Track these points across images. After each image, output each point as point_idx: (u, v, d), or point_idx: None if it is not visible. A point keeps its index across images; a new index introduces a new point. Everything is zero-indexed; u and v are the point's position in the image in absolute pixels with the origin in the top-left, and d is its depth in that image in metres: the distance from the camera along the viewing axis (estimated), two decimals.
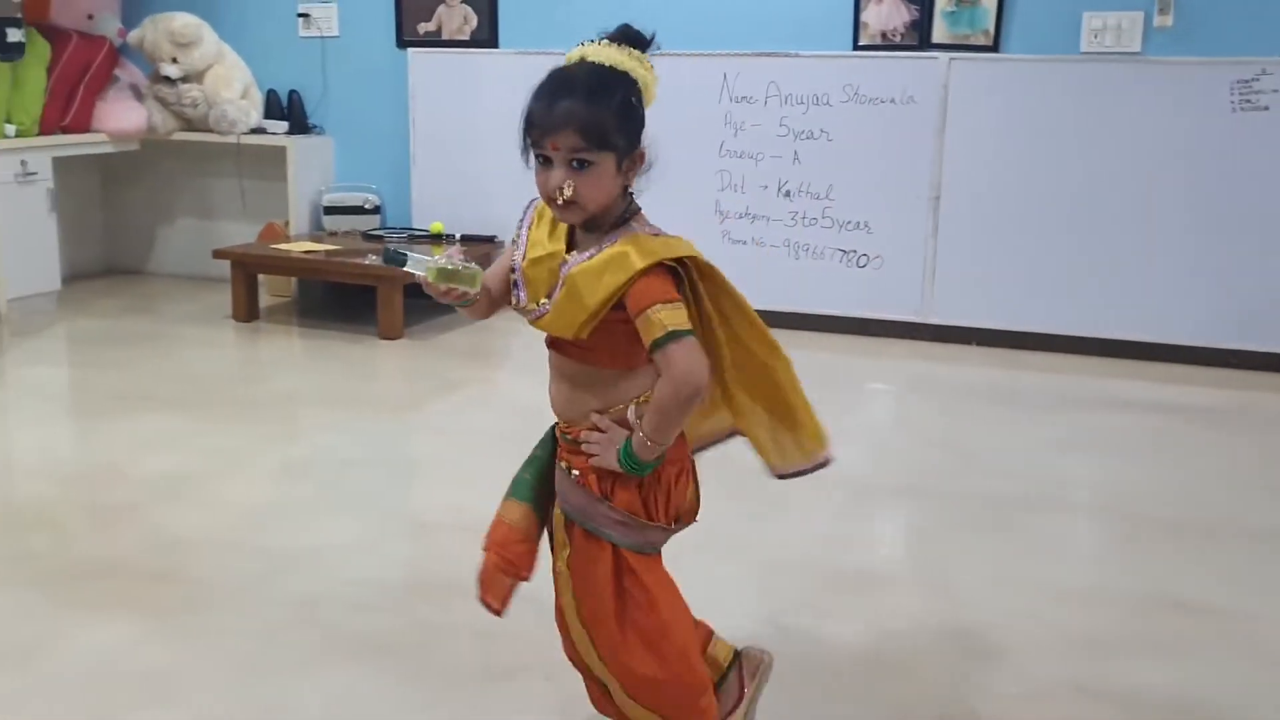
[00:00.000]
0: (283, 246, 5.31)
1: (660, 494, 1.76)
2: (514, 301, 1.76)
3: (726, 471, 3.45)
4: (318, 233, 5.71)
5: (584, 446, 1.73)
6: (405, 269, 1.69)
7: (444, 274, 1.70)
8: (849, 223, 5.09)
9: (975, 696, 2.25)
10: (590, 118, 1.59)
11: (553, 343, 1.76)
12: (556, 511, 1.80)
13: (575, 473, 1.75)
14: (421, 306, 5.17)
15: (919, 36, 4.94)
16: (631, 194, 1.71)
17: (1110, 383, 4.56)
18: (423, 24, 5.64)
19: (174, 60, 5.61)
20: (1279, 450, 3.84)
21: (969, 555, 2.92)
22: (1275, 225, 4.59)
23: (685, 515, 1.83)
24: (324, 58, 5.86)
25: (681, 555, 2.82)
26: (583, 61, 1.65)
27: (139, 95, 5.80)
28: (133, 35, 5.65)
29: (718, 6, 5.18)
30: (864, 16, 5.00)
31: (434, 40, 5.62)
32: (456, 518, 2.98)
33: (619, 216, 1.68)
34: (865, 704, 2.23)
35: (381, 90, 5.77)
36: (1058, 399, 4.33)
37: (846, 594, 2.69)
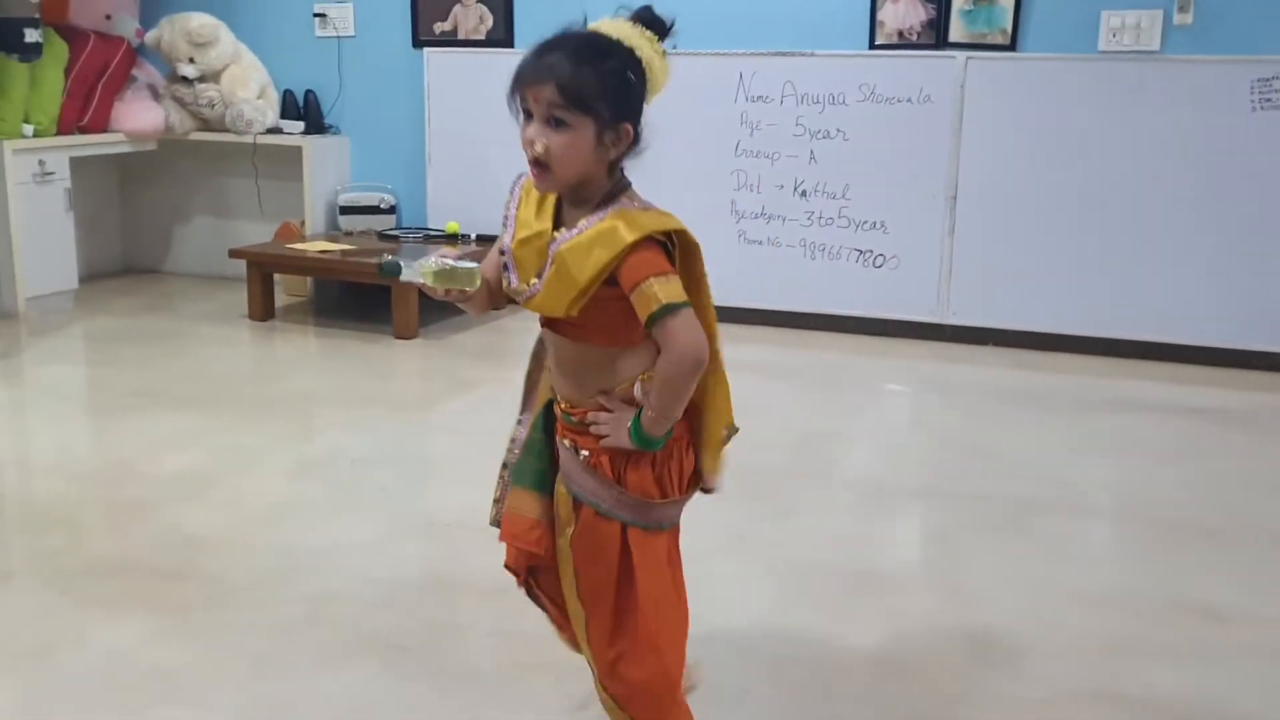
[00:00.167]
0: (298, 246, 5.32)
1: (674, 467, 1.75)
2: (506, 284, 1.74)
3: (740, 472, 3.44)
4: (333, 232, 5.72)
5: (592, 428, 1.71)
6: (402, 279, 1.69)
7: (441, 275, 1.69)
8: (865, 223, 5.07)
9: (990, 700, 2.24)
10: (572, 76, 1.56)
11: (548, 323, 1.73)
12: (560, 489, 1.78)
13: (584, 454, 1.73)
14: (437, 306, 5.17)
15: (936, 35, 4.92)
16: (622, 170, 1.68)
17: (1128, 384, 4.53)
18: (438, 23, 5.64)
19: (191, 60, 5.62)
20: None
21: (985, 557, 2.90)
22: None
23: (693, 481, 1.81)
24: (340, 57, 5.87)
25: (695, 556, 2.81)
26: (589, 30, 1.64)
27: (156, 95, 5.82)
28: (150, 35, 5.67)
29: (734, 6, 5.17)
30: (880, 15, 4.98)
31: (450, 40, 5.62)
32: (470, 517, 2.95)
33: (607, 191, 1.66)
34: (878, 706, 2.21)
35: (397, 90, 5.77)
36: (1075, 400, 4.31)
37: (860, 595, 2.67)
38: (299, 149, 5.70)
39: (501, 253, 1.75)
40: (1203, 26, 4.59)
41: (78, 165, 5.53)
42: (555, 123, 1.59)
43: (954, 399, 4.37)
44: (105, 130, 5.66)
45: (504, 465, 1.91)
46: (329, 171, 5.81)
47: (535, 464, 1.83)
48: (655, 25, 1.64)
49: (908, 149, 4.95)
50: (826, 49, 5.02)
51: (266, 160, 5.88)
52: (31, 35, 4.99)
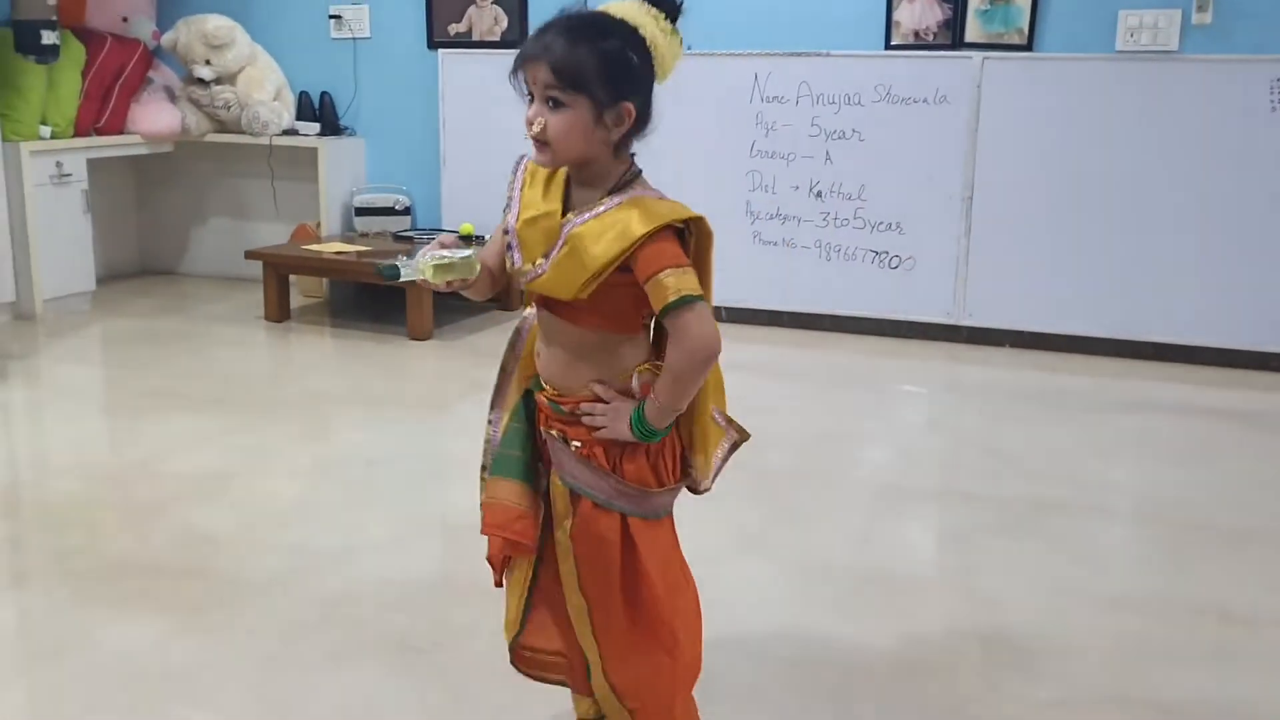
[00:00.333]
0: (314, 247, 5.33)
1: (667, 454, 1.73)
2: (508, 264, 1.72)
3: (757, 474, 3.43)
4: (349, 234, 5.73)
5: (585, 419, 1.69)
6: (402, 280, 1.69)
7: (441, 269, 1.69)
8: (881, 224, 5.05)
9: (1006, 702, 2.22)
10: (566, 56, 1.56)
11: (547, 305, 1.71)
12: (556, 481, 1.74)
13: (576, 444, 1.71)
14: (452, 307, 5.18)
15: (952, 36, 4.90)
16: (633, 156, 1.68)
17: (1145, 385, 4.50)
18: (453, 25, 5.65)
19: (207, 62, 5.64)
20: None
21: (1001, 559, 2.88)
22: None
23: (685, 468, 1.78)
24: (355, 59, 5.88)
25: (709, 557, 2.80)
26: (596, 9, 1.63)
27: (173, 97, 5.84)
28: (166, 37, 5.69)
29: (749, 6, 5.16)
30: (896, 15, 4.97)
31: (464, 41, 5.63)
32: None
33: (621, 178, 1.65)
34: (893, 708, 2.20)
35: (412, 91, 5.78)
36: (1093, 402, 4.28)
37: (875, 596, 2.66)
38: (314, 150, 5.71)
39: (505, 232, 1.73)
40: (1221, 26, 4.56)
41: (95, 167, 5.55)
42: (553, 103, 1.58)
43: (970, 400, 4.35)
44: (122, 132, 5.68)
45: (483, 468, 1.87)
46: (344, 173, 5.82)
47: (516, 454, 1.79)
48: (663, 4, 1.63)
49: (924, 149, 4.93)
50: (842, 49, 5.00)
51: (282, 162, 5.89)
52: (49, 37, 5.02)
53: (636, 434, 1.66)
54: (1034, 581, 2.75)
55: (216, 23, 5.62)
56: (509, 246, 1.72)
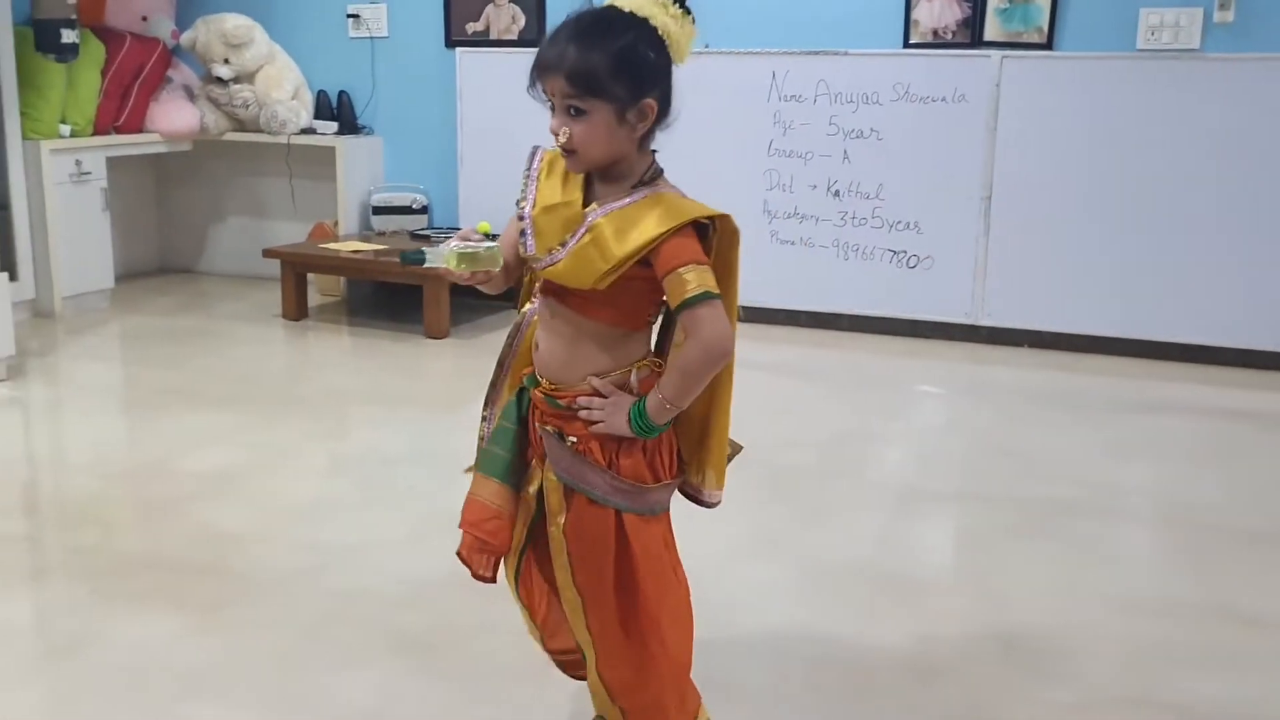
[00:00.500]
0: (331, 246, 5.34)
1: (664, 450, 1.73)
2: (522, 250, 1.72)
3: (775, 474, 3.42)
4: (366, 232, 5.74)
5: (582, 413, 1.68)
6: (426, 266, 1.68)
7: (465, 258, 1.68)
8: (899, 223, 5.03)
9: (1023, 704, 2.21)
10: (580, 64, 1.55)
11: (555, 294, 1.69)
12: (550, 477, 1.73)
13: (572, 440, 1.70)
14: (469, 306, 5.18)
15: (971, 34, 4.87)
16: (654, 152, 1.67)
17: (1165, 386, 4.47)
18: (471, 24, 5.65)
19: (226, 61, 5.66)
20: None
21: (1019, 560, 2.86)
22: None
23: (680, 465, 1.78)
24: (373, 58, 5.89)
25: (727, 557, 2.79)
26: (604, 5, 1.61)
27: (191, 96, 5.85)
28: (185, 37, 5.71)
29: (766, 4, 5.14)
30: (915, 14, 4.94)
31: (482, 40, 5.63)
32: None
33: (643, 175, 1.65)
34: (911, 709, 2.19)
35: (430, 90, 5.78)
36: (1112, 403, 4.25)
37: (893, 597, 2.65)
38: (332, 149, 5.72)
39: (521, 218, 1.72)
40: (1244, 24, 4.52)
41: (114, 165, 5.57)
42: (574, 110, 1.58)
43: (988, 400, 4.33)
44: (141, 131, 5.70)
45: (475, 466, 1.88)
46: (362, 172, 5.82)
47: (501, 453, 1.79)
48: None
49: (942, 149, 4.91)
50: (860, 48, 4.98)
51: (300, 160, 5.90)
52: (68, 36, 5.04)
53: (635, 429, 1.66)
54: (1052, 583, 2.73)
55: (235, 22, 5.63)
56: (523, 233, 1.71)
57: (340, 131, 5.82)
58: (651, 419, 1.65)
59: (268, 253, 5.34)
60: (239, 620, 2.48)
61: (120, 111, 5.57)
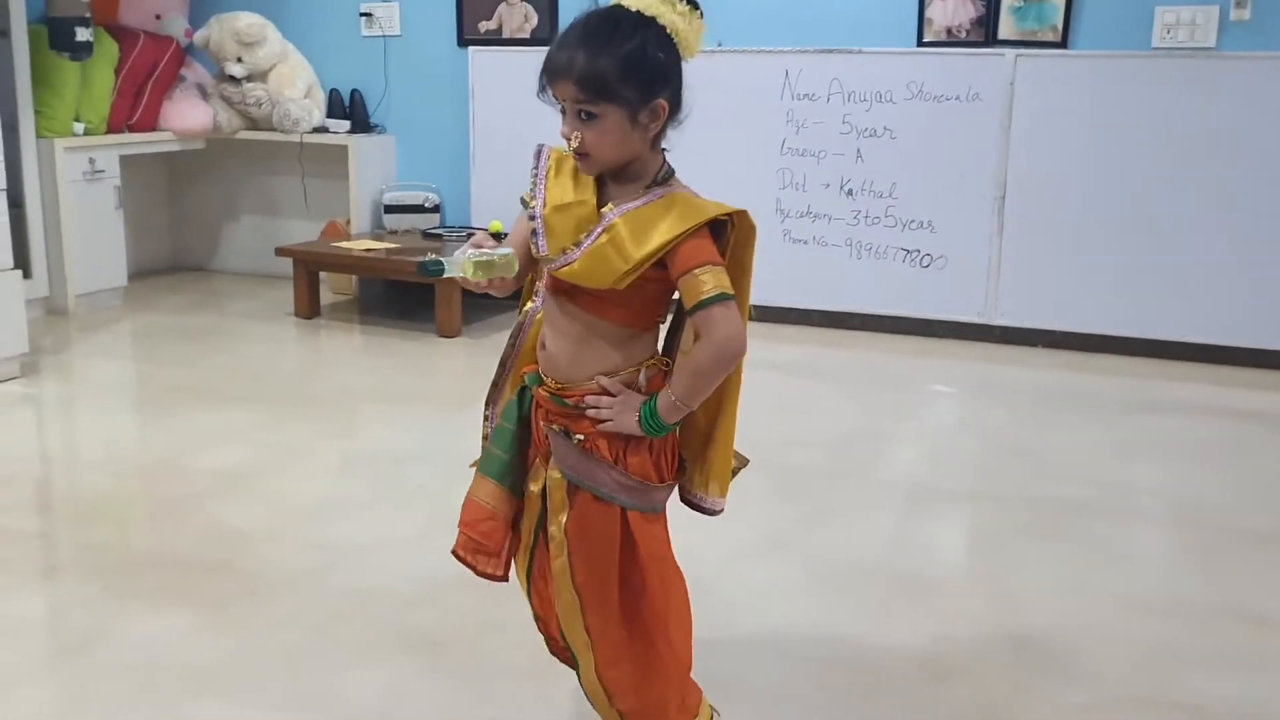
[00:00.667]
0: (344, 245, 5.35)
1: (668, 449, 1.73)
2: (534, 249, 1.71)
3: (786, 473, 3.41)
4: (378, 231, 5.74)
5: (590, 412, 1.67)
6: (445, 276, 1.68)
7: (481, 267, 1.68)
8: (912, 222, 5.02)
9: (1035, 704, 2.20)
10: (589, 69, 1.55)
11: (564, 293, 1.68)
12: (554, 474, 1.72)
13: (579, 438, 1.69)
14: (480, 305, 5.18)
15: (985, 32, 4.85)
16: (665, 151, 1.67)
17: (1177, 386, 4.45)
18: (483, 22, 5.65)
19: (239, 60, 5.67)
20: None
21: (1031, 560, 2.85)
22: None
23: (682, 464, 1.78)
24: (386, 57, 5.90)
25: (736, 557, 2.79)
26: (611, 6, 1.61)
27: (204, 94, 5.87)
28: (199, 35, 5.72)
29: (779, 3, 5.13)
30: (929, 12, 4.93)
31: (495, 39, 5.63)
32: None
33: (656, 174, 1.65)
34: (922, 709, 2.18)
35: (442, 89, 5.79)
36: (1126, 403, 4.23)
37: (904, 597, 2.64)
38: (345, 148, 5.73)
39: (532, 218, 1.72)
40: (1260, 22, 4.49)
41: (127, 163, 5.59)
42: (585, 115, 1.58)
43: (1001, 400, 4.31)
44: (154, 129, 5.71)
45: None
46: (374, 170, 5.83)
47: (499, 454, 1.79)
48: None
49: (956, 147, 4.89)
50: (874, 46, 4.96)
51: (313, 159, 5.91)
52: (82, 34, 5.05)
53: (645, 428, 1.65)
54: (1064, 583, 2.72)
55: (248, 20, 5.64)
56: (534, 233, 1.70)
57: (353, 130, 5.83)
58: (662, 418, 1.64)
59: (280, 251, 5.35)
60: (249, 618, 2.49)
61: (134, 110, 5.59)
